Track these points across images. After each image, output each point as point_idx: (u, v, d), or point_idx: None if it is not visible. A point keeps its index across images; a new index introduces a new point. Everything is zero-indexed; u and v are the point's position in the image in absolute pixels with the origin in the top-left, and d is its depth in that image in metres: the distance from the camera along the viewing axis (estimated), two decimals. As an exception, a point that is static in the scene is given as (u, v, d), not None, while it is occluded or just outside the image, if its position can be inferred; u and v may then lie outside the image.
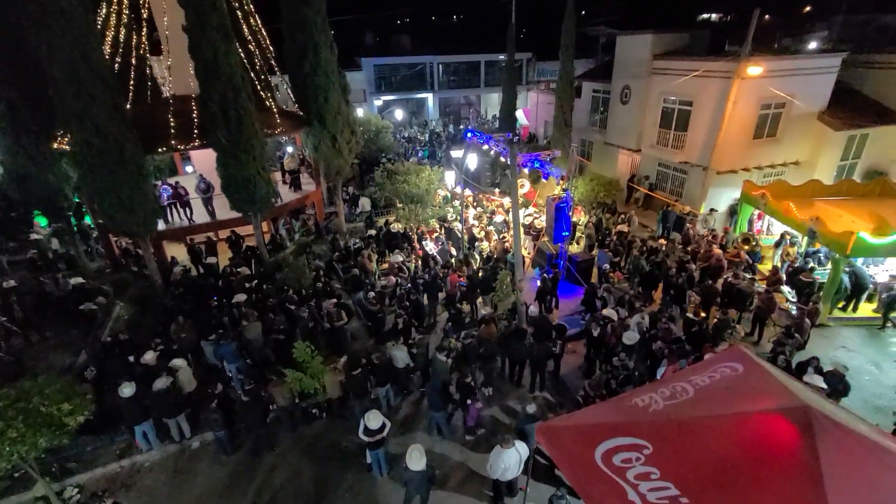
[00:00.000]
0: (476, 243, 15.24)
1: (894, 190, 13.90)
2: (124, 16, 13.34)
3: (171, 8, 12.10)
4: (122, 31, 13.36)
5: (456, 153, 16.88)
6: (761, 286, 11.92)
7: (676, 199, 18.38)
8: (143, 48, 13.82)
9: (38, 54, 10.44)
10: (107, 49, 12.51)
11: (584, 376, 9.72)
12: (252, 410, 8.02)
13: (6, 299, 11.59)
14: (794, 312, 11.21)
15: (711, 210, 16.78)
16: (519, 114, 24.15)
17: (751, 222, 15.53)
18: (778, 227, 14.70)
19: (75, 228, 15.21)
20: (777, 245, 14.25)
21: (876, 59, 17.11)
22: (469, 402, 8.37)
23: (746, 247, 14.34)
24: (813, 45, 23.72)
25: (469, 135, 16.02)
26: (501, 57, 28.01)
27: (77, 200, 15.26)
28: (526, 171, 15.67)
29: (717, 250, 13.47)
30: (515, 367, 10.00)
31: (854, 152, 17.05)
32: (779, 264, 13.44)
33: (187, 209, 14.27)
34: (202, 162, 15.31)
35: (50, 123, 12.35)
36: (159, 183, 15.06)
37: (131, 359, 9.22)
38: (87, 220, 16.16)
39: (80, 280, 12.44)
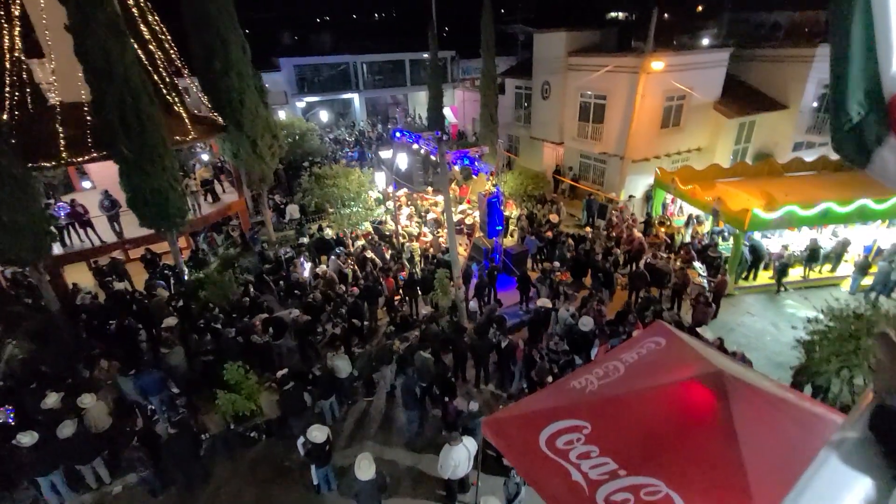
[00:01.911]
0: (406, 244, 15.16)
1: (779, 169, 15.70)
2: (-9, 13, 11.68)
3: (49, 4, 10.78)
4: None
5: (385, 153, 16.69)
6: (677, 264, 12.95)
7: (599, 188, 19.48)
8: (17, 49, 12.16)
9: None
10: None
11: (525, 366, 9.97)
12: (181, 443, 7.37)
13: None
14: (705, 286, 12.30)
15: (630, 196, 17.97)
16: (447, 112, 24.34)
17: (665, 206, 16.83)
18: (688, 209, 16.08)
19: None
20: (686, 225, 15.59)
21: (757, 52, 19.23)
22: (447, 399, 8.30)
23: (663, 229, 15.53)
24: (706, 41, 26.19)
25: (398, 134, 15.91)
26: (426, 55, 28.01)
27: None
28: (457, 168, 15.86)
29: (637, 234, 14.44)
30: (458, 364, 10.05)
31: (745, 137, 19.06)
32: (687, 240, 14.71)
33: (88, 229, 12.82)
34: (103, 176, 13.83)
35: None
36: (53, 202, 13.39)
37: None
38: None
39: (-43, 319, 10.75)
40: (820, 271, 13.46)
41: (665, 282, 12.30)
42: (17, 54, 12.19)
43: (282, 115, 27.49)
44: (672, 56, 16.73)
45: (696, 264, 13.00)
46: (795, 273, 13.32)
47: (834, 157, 15.80)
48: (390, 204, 16.95)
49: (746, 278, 13.33)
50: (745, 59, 19.29)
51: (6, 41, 12.01)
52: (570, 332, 9.70)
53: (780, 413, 4.50)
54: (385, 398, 9.70)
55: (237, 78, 13.66)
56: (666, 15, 32.81)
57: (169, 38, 14.66)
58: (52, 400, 7.94)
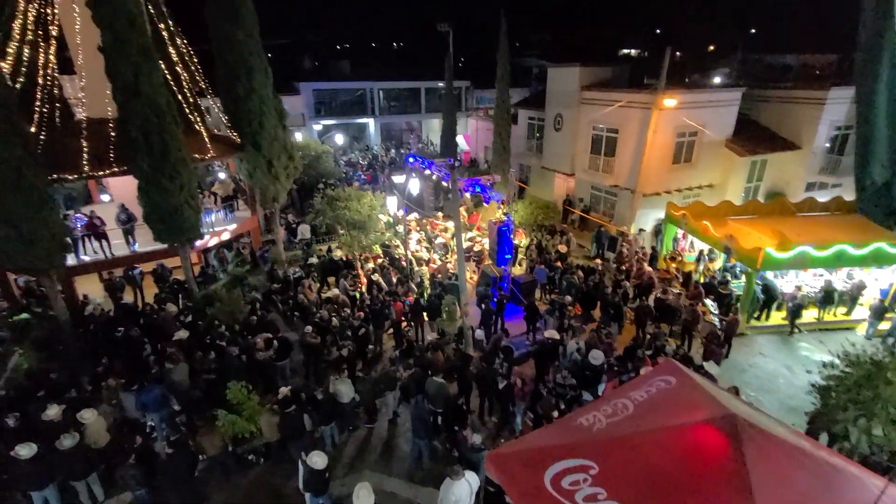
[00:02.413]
0: (415, 269, 15.18)
1: (791, 209, 15.60)
2: (29, 32, 12.23)
3: (85, 26, 11.28)
4: (27, 48, 12.22)
5: (398, 178, 16.92)
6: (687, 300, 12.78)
7: (609, 220, 19.49)
8: (51, 67, 12.69)
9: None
10: (6, 66, 11.38)
11: (531, 399, 9.75)
12: (177, 463, 7.23)
13: None
14: (716, 323, 12.08)
15: (640, 230, 17.93)
16: (460, 139, 24.77)
17: (676, 241, 16.74)
18: (698, 245, 15.96)
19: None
20: (697, 261, 15.45)
21: (769, 93, 19.45)
22: (457, 428, 8.08)
23: (674, 264, 15.40)
24: (717, 80, 26.58)
25: (411, 160, 16.16)
26: (441, 84, 28.76)
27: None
28: (468, 195, 15.99)
29: (647, 268, 14.33)
30: (462, 394, 9.86)
31: (757, 175, 19.08)
32: (700, 279, 14.54)
33: (104, 241, 13.02)
34: (121, 190, 14.16)
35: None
36: (71, 213, 13.69)
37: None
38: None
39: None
40: (834, 314, 13.18)
41: (675, 318, 12.11)
42: (50, 71, 12.72)
43: (298, 136, 28.13)
44: (684, 94, 16.97)
45: (708, 301, 12.81)
46: (809, 315, 13.06)
47: (848, 198, 15.71)
48: (401, 228, 17.06)
49: (759, 318, 13.08)
50: (756, 99, 19.52)
51: (41, 58, 12.57)
52: (577, 366, 9.52)
53: (796, 462, 4.33)
54: (387, 426, 9.52)
55: (258, 101, 14.08)
56: (678, 53, 33.51)
57: (195, 60, 15.24)
58: (53, 412, 7.88)
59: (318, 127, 34.47)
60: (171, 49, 14.19)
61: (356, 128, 38.46)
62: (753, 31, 47.32)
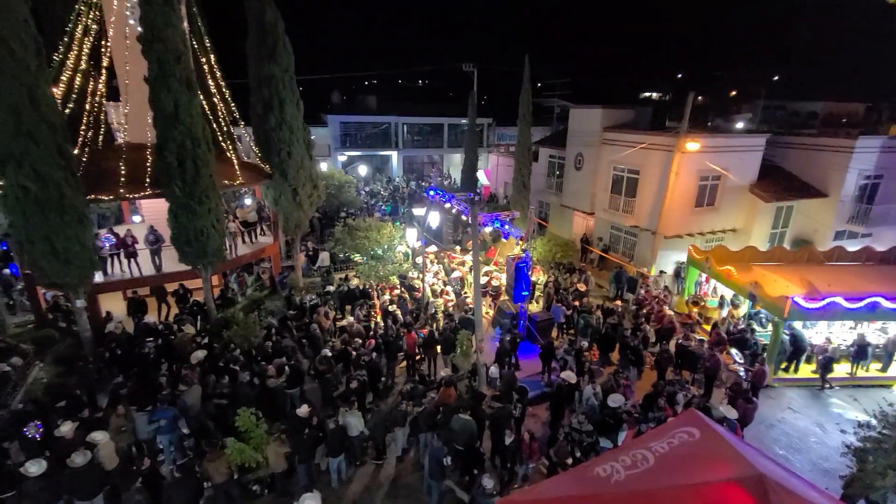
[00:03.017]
0: (431, 301, 15.11)
1: (819, 257, 15.15)
2: (83, 62, 13.11)
3: (134, 57, 12.04)
4: (79, 76, 13.07)
5: (418, 211, 17.15)
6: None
7: (629, 260, 19.22)
8: (100, 94, 13.51)
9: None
10: (59, 92, 12.14)
11: (547, 444, 9.39)
12: (183, 489, 7.13)
13: None
14: (741, 373, 11.59)
15: (661, 272, 17.61)
16: (480, 174, 25.15)
17: (699, 284, 16.35)
18: (721, 290, 15.52)
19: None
20: (720, 306, 15.00)
21: (793, 140, 19.33)
22: (476, 471, 7.78)
23: (696, 308, 14.97)
24: (740, 125, 26.59)
25: (431, 193, 16.41)
26: (463, 121, 29.56)
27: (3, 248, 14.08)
28: (487, 230, 16.06)
29: (668, 311, 13.96)
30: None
31: (783, 222, 18.73)
32: (722, 326, 14.04)
33: (131, 260, 13.40)
34: (152, 211, 14.66)
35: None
36: (102, 231, 14.17)
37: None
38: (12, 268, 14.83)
39: (-6, 336, 11.17)
40: (867, 370, 12.52)
41: (696, 365, 11.67)
42: (98, 98, 13.53)
43: (323, 166, 28.98)
44: (707, 138, 16.99)
45: (733, 350, 12.34)
46: (841, 369, 12.43)
47: (879, 248, 15.22)
48: (419, 259, 17.12)
49: (787, 369, 12.51)
50: (781, 145, 19.40)
51: (90, 86, 13.40)
52: (595, 413, 9.18)
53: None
54: (395, 463, 9.25)
55: (288, 131, 14.65)
56: (700, 98, 33.75)
57: (229, 93, 16.01)
58: (66, 428, 7.90)
59: (342, 157, 35.50)
60: (210, 81, 14.99)
61: (379, 160, 39.48)
62: (776, 77, 47.69)
